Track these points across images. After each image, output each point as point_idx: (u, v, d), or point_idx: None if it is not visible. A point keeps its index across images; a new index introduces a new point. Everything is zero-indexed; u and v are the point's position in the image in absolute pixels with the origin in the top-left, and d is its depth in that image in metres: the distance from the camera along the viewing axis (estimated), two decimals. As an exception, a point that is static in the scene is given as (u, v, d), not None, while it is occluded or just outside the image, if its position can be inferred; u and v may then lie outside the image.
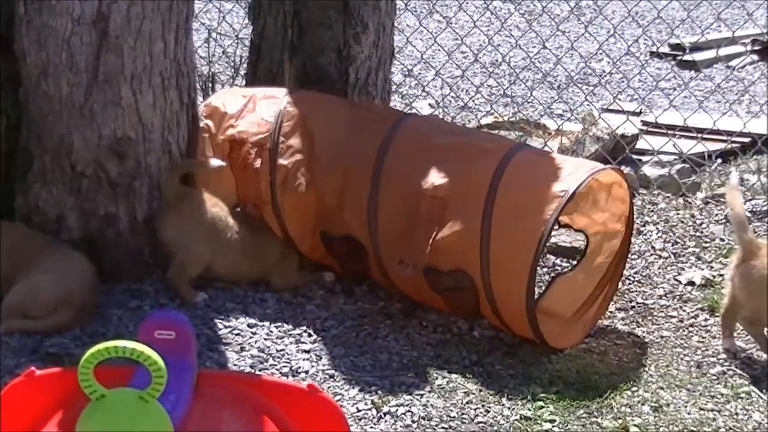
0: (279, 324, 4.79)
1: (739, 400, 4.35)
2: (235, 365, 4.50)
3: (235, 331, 4.73)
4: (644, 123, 7.09)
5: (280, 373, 4.43)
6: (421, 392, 4.35)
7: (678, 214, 5.94)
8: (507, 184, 4.58)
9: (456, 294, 4.71)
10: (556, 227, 4.80)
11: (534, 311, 4.55)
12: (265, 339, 4.68)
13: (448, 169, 4.71)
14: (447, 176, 4.68)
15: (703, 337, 4.84)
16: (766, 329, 4.60)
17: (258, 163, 4.94)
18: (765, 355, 4.63)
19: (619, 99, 7.65)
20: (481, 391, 4.36)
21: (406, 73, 7.84)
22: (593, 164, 4.81)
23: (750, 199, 6.02)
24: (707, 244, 5.63)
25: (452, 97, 7.67)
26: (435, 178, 4.69)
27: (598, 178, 4.71)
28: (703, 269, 5.40)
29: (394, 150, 4.81)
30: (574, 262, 5.11)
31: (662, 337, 4.84)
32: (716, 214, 5.93)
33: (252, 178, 4.98)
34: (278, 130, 4.91)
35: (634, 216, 5.00)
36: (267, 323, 4.79)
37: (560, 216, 4.58)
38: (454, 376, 4.46)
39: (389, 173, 4.77)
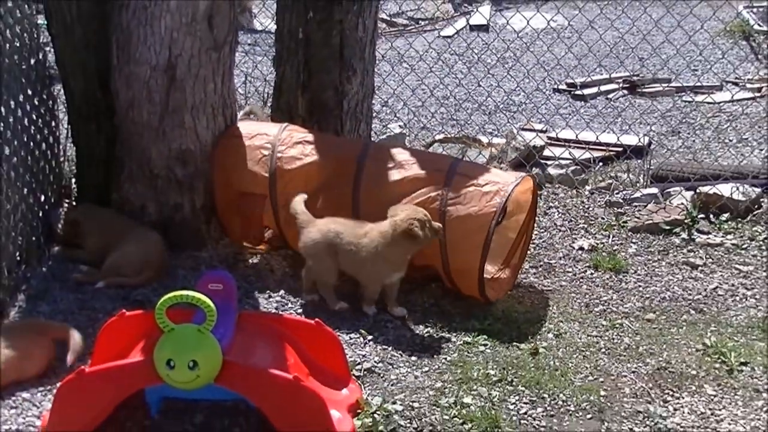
0: (296, 279, 4.76)
1: (614, 329, 4.37)
2: (264, 308, 4.50)
3: (265, 284, 4.73)
4: (549, 138, 7.08)
5: (296, 313, 4.44)
6: (395, 325, 4.36)
7: (572, 200, 5.94)
8: (453, 207, 4.48)
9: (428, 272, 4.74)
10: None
11: (485, 290, 4.52)
12: (286, 289, 4.68)
13: (409, 191, 4.60)
14: (409, 194, 4.59)
15: (589, 286, 4.85)
16: None
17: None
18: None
19: (532, 121, 7.65)
20: (436, 324, 4.37)
21: (383, 103, 7.82)
22: (511, 178, 4.65)
23: (623, 190, 6.03)
24: (592, 222, 5.64)
25: (415, 120, 7.66)
26: (400, 196, 4.58)
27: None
28: (589, 239, 5.40)
29: (364, 182, 4.69)
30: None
31: (561, 286, 4.85)
32: (598, 201, 5.93)
33: (258, 222, 4.92)
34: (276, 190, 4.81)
35: (541, 203, 5.01)
36: (287, 279, 4.79)
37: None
38: (417, 314, 4.46)
39: (365, 202, 4.67)
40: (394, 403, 3.69)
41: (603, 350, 4.17)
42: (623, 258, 5.14)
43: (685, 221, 5.48)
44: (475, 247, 4.43)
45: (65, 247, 4.95)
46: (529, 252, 5.04)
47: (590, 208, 5.84)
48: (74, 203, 5.37)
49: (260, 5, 11.32)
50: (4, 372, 3.71)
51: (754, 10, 10.66)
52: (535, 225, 5.06)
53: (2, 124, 4.54)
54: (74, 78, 5.13)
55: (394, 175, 4.68)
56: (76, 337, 3.92)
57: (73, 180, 5.53)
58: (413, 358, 4.08)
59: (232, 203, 4.96)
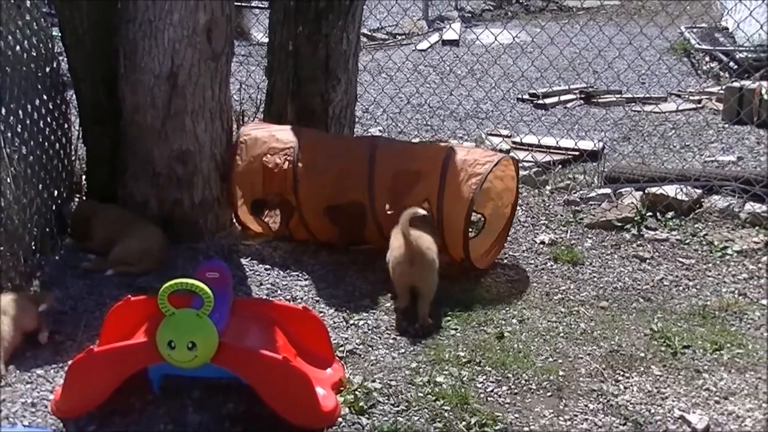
0: (285, 268, 4.77)
1: (572, 316, 4.37)
2: (256, 294, 4.48)
3: (256, 273, 4.71)
4: (514, 142, 7.08)
5: (285, 299, 4.41)
6: (374, 311, 4.34)
7: (534, 199, 5.94)
8: (454, 160, 4.65)
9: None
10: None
11: (467, 234, 4.62)
12: (275, 278, 4.67)
13: (418, 157, 4.82)
14: (418, 160, 4.78)
15: (550, 277, 4.84)
16: None
17: (286, 165, 4.87)
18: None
19: (498, 127, 7.64)
20: (412, 311, 4.34)
21: (365, 110, 7.81)
22: (501, 154, 4.98)
23: (579, 190, 6.03)
24: (552, 218, 5.64)
25: (393, 125, 7.65)
26: (410, 161, 4.77)
27: (495, 171, 4.83)
28: (549, 234, 5.40)
29: (380, 149, 4.83)
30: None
31: (525, 276, 4.84)
32: (558, 200, 5.93)
33: (280, 176, 4.89)
34: (298, 147, 4.89)
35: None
36: (277, 268, 4.78)
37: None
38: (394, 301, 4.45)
39: (380, 161, 4.78)
40: (373, 381, 3.68)
41: (561, 334, 4.17)
42: (580, 251, 5.14)
43: (635, 218, 5.49)
44: (462, 216, 4.57)
45: (76, 238, 4.93)
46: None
47: (550, 206, 5.83)
48: (84, 198, 5.34)
49: (254, 20, 11.27)
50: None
51: (695, 30, 10.72)
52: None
53: (20, 127, 4.53)
54: (85, 85, 5.11)
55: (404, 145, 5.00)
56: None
57: (83, 177, 5.50)
58: (391, 340, 4.07)
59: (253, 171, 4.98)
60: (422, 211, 4.38)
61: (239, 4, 10.96)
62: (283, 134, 5.00)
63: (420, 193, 4.65)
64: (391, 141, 5.00)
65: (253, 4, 11.57)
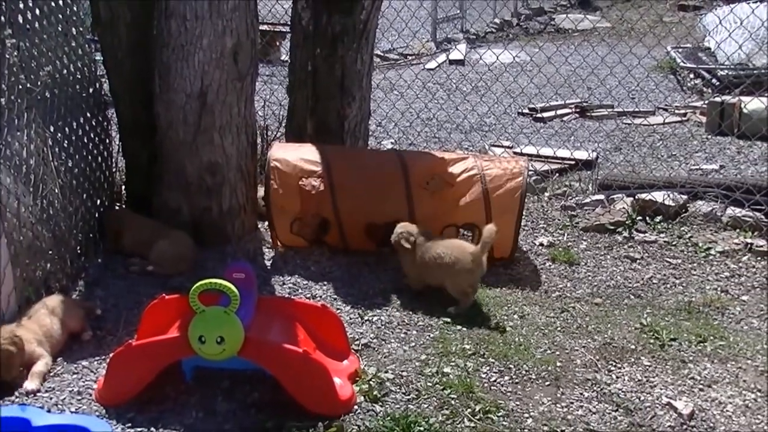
0: (305, 269, 4.77)
1: (568, 311, 4.36)
2: (279, 293, 4.49)
3: (279, 274, 4.71)
4: (515, 153, 7.07)
5: (305, 297, 4.42)
6: (387, 308, 4.34)
7: (534, 205, 5.93)
8: (488, 169, 4.79)
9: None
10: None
11: (517, 241, 4.87)
12: (297, 278, 4.67)
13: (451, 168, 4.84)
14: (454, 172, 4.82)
15: (548, 276, 4.83)
16: None
17: (322, 187, 4.78)
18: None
19: (500, 139, 7.64)
20: (421, 308, 4.35)
21: (378, 124, 7.80)
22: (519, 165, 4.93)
23: (575, 196, 6.02)
24: (550, 222, 5.63)
25: (404, 138, 7.66)
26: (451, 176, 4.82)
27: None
28: (548, 237, 5.39)
29: (412, 175, 4.80)
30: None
31: (525, 276, 4.83)
32: (555, 205, 5.92)
33: (317, 197, 4.81)
34: (329, 168, 4.85)
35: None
36: (298, 269, 4.77)
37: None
38: (405, 299, 4.44)
39: (416, 186, 4.79)
40: (386, 372, 3.68)
41: (559, 329, 4.16)
42: (576, 252, 5.13)
43: (626, 222, 5.48)
44: (510, 215, 4.73)
45: (112, 241, 4.96)
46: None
47: (549, 211, 5.82)
48: (123, 206, 5.37)
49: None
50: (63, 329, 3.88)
51: (680, 50, 10.69)
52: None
53: (66, 142, 4.58)
54: (124, 103, 5.12)
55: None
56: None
57: (123, 187, 5.52)
58: (402, 335, 4.07)
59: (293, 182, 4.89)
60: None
61: (275, 29, 10.97)
62: (311, 155, 4.92)
63: (465, 207, 4.74)
64: (419, 154, 4.99)
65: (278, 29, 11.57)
